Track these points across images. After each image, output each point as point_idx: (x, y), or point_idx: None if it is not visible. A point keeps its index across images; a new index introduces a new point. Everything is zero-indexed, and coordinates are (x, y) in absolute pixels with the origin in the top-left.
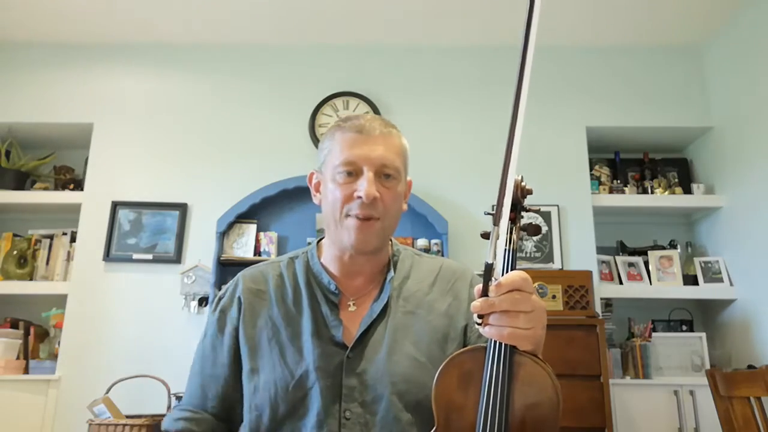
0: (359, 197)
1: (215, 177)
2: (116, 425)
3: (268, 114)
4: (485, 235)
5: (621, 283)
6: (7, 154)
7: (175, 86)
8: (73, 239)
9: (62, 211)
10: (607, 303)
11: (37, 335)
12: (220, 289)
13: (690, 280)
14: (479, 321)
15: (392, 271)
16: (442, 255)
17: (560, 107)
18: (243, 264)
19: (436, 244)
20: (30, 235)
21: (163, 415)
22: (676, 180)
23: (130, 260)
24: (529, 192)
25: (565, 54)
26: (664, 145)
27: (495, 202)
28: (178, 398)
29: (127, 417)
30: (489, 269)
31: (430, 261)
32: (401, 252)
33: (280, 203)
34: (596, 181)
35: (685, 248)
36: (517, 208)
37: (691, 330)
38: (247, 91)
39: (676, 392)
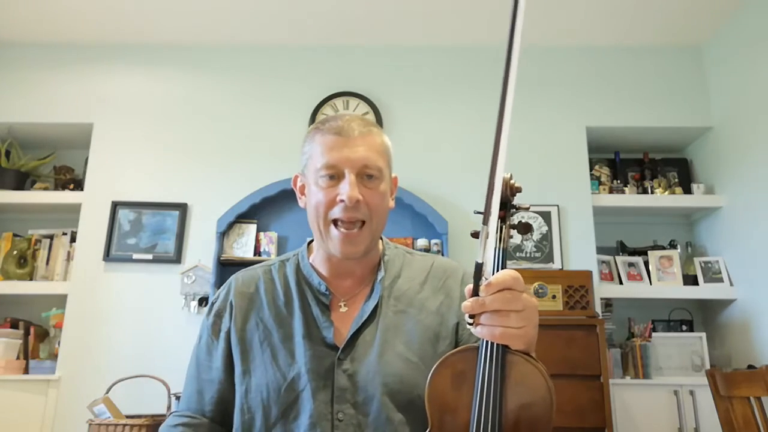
0: (342, 201)
1: (215, 177)
2: (116, 425)
3: (268, 114)
4: (475, 235)
5: (621, 283)
6: (7, 154)
7: (175, 86)
8: (73, 239)
9: (62, 211)
10: (607, 303)
11: (37, 335)
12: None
13: (690, 280)
14: (471, 321)
15: (383, 270)
16: (442, 255)
17: (560, 107)
18: (243, 264)
19: (436, 244)
20: (30, 235)
21: (164, 415)
22: (676, 180)
23: (130, 260)
24: (519, 190)
25: (565, 54)
26: (664, 145)
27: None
28: (178, 398)
29: (127, 417)
30: (479, 269)
31: (422, 259)
32: (392, 251)
33: (280, 203)
34: (596, 181)
35: (685, 248)
36: (507, 206)
37: (691, 330)
38: (247, 91)
39: (676, 392)
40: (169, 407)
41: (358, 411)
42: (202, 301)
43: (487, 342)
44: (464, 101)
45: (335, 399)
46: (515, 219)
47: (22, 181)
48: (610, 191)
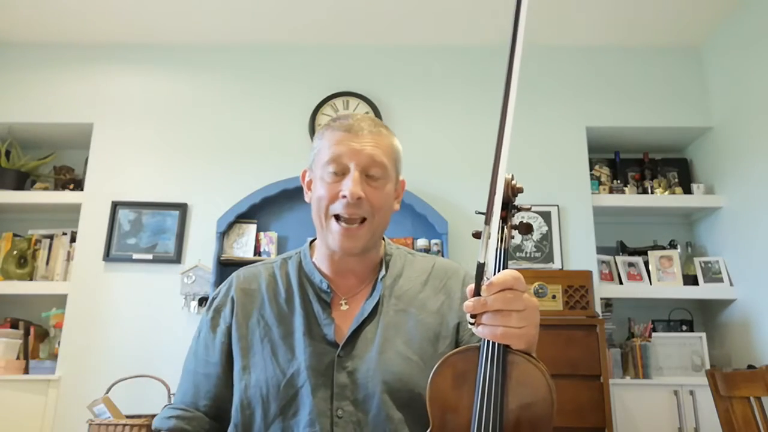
0: (344, 196)
1: (215, 177)
2: (116, 425)
3: (268, 114)
4: (477, 235)
5: (621, 283)
6: (7, 154)
7: (175, 86)
8: (73, 239)
9: (62, 211)
10: (607, 303)
11: (37, 335)
12: None
13: (690, 280)
14: (472, 321)
15: (384, 270)
16: (442, 255)
17: (560, 107)
18: (243, 264)
19: (436, 244)
20: (30, 235)
21: None
22: (676, 180)
23: (130, 260)
24: (520, 190)
25: (565, 54)
26: (664, 145)
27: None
28: None
29: (127, 417)
30: (480, 269)
31: (423, 260)
32: (394, 251)
33: (280, 203)
34: (596, 181)
35: (685, 248)
36: (509, 206)
37: (691, 330)
38: (247, 91)
39: (676, 392)
40: None
41: (358, 408)
42: (202, 301)
43: (488, 342)
44: (465, 101)
45: (335, 396)
46: (516, 219)
47: (22, 181)
48: (610, 191)
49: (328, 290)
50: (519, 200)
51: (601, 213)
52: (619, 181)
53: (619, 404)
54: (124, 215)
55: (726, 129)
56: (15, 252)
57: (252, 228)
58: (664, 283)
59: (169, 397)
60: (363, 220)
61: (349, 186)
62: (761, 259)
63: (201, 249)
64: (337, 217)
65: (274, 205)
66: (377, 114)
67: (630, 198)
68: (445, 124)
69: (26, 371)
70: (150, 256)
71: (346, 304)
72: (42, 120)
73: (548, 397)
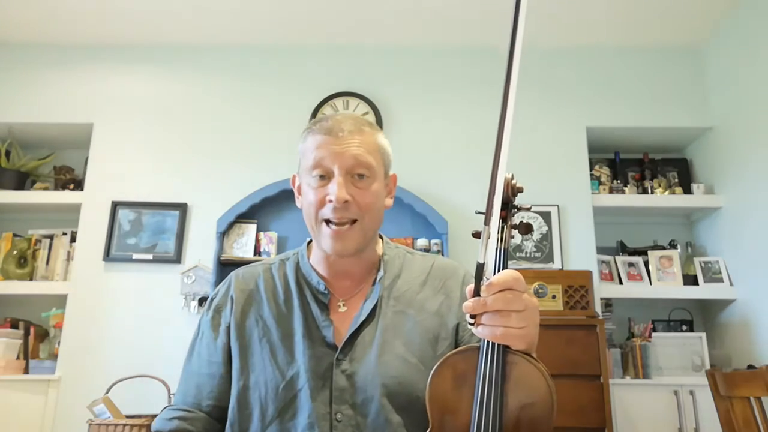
0: (330, 201)
1: (215, 177)
2: (116, 425)
3: (269, 114)
4: (476, 235)
5: (621, 283)
6: (7, 154)
7: (175, 86)
8: (73, 239)
9: (62, 211)
10: (607, 303)
11: (37, 335)
12: None
13: (690, 280)
14: (472, 321)
15: (382, 270)
16: (442, 255)
17: (560, 107)
18: (243, 264)
19: (436, 244)
20: (30, 235)
21: None
22: (676, 180)
23: (130, 260)
24: (520, 190)
25: (566, 54)
26: (664, 145)
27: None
28: None
29: (127, 417)
30: (480, 269)
31: (422, 259)
32: (392, 251)
33: (280, 203)
34: (596, 181)
35: (685, 248)
36: (509, 206)
37: (691, 330)
38: (247, 91)
39: (676, 392)
40: None
41: (357, 412)
42: (202, 301)
43: (488, 342)
44: (464, 101)
45: (334, 399)
46: (516, 219)
47: (22, 181)
48: (610, 191)
49: (326, 292)
50: (519, 200)
51: (601, 213)
52: (619, 181)
53: (619, 404)
54: (124, 215)
55: (726, 129)
56: (15, 252)
57: (252, 228)
58: (664, 283)
59: (169, 397)
60: (354, 221)
61: (335, 191)
62: (761, 259)
63: (201, 249)
64: (327, 221)
65: (274, 205)
66: (377, 114)
67: (630, 198)
68: (445, 123)
69: (26, 371)
70: (150, 256)
71: (344, 305)
72: (42, 120)
73: (548, 398)
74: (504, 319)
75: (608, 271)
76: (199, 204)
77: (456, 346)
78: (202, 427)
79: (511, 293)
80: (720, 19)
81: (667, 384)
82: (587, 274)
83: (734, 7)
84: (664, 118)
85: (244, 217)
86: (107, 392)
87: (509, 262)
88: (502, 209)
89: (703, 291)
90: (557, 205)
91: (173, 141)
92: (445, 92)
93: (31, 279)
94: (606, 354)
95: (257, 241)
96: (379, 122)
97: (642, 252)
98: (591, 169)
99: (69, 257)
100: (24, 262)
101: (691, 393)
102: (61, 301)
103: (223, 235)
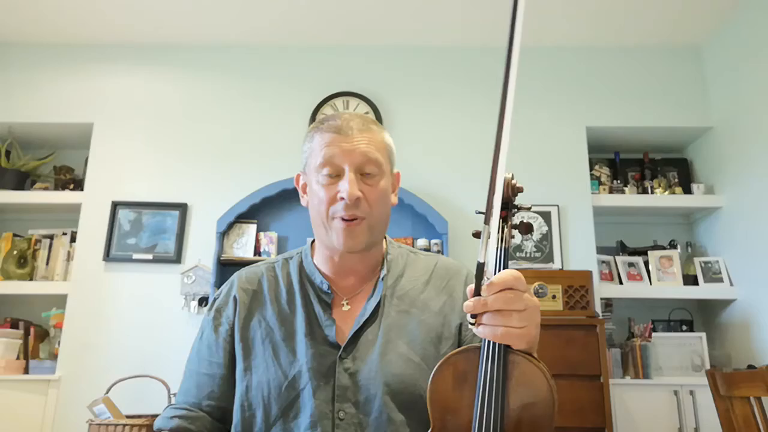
0: (342, 198)
1: (215, 177)
2: (116, 425)
3: (268, 114)
4: (477, 235)
5: (621, 283)
6: (7, 154)
7: (175, 86)
8: (73, 239)
9: (62, 211)
10: (607, 303)
11: (37, 335)
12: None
13: (690, 280)
14: (473, 321)
15: (385, 269)
16: (442, 255)
17: (560, 107)
18: (243, 264)
19: (436, 244)
20: (30, 235)
21: None
22: (676, 180)
23: (130, 260)
24: (520, 190)
25: (566, 54)
26: (664, 145)
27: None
28: None
29: (127, 417)
30: (481, 268)
31: (425, 259)
32: (395, 250)
33: (280, 203)
34: (596, 181)
35: (685, 248)
36: (509, 206)
37: (691, 330)
38: (247, 91)
39: (676, 392)
40: None
41: (359, 410)
42: (202, 301)
43: (489, 342)
44: (464, 101)
45: (336, 398)
46: (517, 219)
47: (22, 181)
48: (610, 191)
49: (329, 291)
50: (519, 200)
51: (601, 213)
52: (619, 181)
53: (619, 404)
54: (124, 215)
55: (726, 129)
56: (15, 252)
57: (252, 228)
58: (664, 283)
59: (170, 397)
60: (364, 218)
61: (347, 188)
62: (761, 259)
63: (201, 249)
64: (339, 218)
65: (274, 205)
66: (377, 114)
67: (630, 198)
68: (445, 123)
69: (26, 371)
70: (150, 256)
71: (347, 304)
72: (42, 120)
73: (549, 398)
74: (505, 318)
75: (608, 271)
76: (199, 204)
77: (459, 346)
78: (203, 427)
79: (511, 293)
80: (720, 19)
81: (667, 384)
82: (587, 274)
83: (734, 7)
84: (664, 118)
85: (244, 217)
86: (107, 392)
87: (509, 262)
88: (502, 209)
89: (703, 291)
90: (557, 205)
91: (173, 141)
92: (445, 92)
93: (31, 279)
94: (606, 354)
95: (257, 241)
96: (379, 122)
97: (642, 252)
98: (591, 169)
99: (69, 257)
100: (24, 262)
101: (691, 393)
102: (61, 301)
103: (223, 235)
